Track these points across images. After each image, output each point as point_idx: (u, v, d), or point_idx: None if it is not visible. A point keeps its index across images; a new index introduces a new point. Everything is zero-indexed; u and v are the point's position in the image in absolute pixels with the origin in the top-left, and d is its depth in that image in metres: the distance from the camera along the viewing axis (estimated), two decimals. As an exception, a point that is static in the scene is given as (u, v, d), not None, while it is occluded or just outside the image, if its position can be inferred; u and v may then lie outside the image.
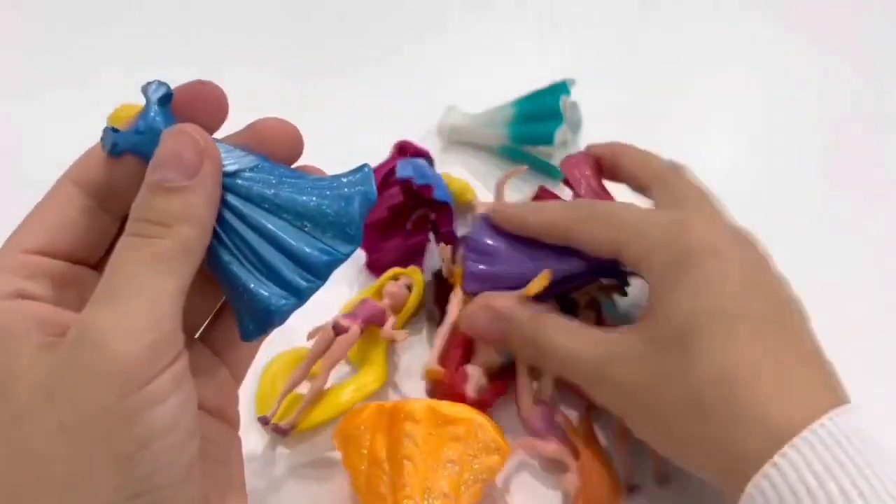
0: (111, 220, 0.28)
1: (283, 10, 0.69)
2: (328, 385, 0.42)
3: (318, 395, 0.42)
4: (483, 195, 0.53)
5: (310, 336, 0.43)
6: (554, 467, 0.41)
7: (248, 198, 0.27)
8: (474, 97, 0.58)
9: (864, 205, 0.56)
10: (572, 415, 0.42)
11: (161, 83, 0.27)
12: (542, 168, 0.55)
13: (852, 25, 0.69)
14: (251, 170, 0.27)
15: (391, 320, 0.44)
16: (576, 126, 0.57)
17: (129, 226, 0.25)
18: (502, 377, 0.43)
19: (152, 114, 0.26)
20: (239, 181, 0.27)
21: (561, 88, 0.56)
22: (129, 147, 0.26)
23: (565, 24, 0.69)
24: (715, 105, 0.64)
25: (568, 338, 0.37)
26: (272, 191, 0.27)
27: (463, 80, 0.63)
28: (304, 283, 0.26)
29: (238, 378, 0.32)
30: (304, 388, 0.42)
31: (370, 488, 0.38)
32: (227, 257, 0.26)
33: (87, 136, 0.43)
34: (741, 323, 0.33)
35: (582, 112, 0.57)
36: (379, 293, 0.46)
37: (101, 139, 0.27)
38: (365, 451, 0.38)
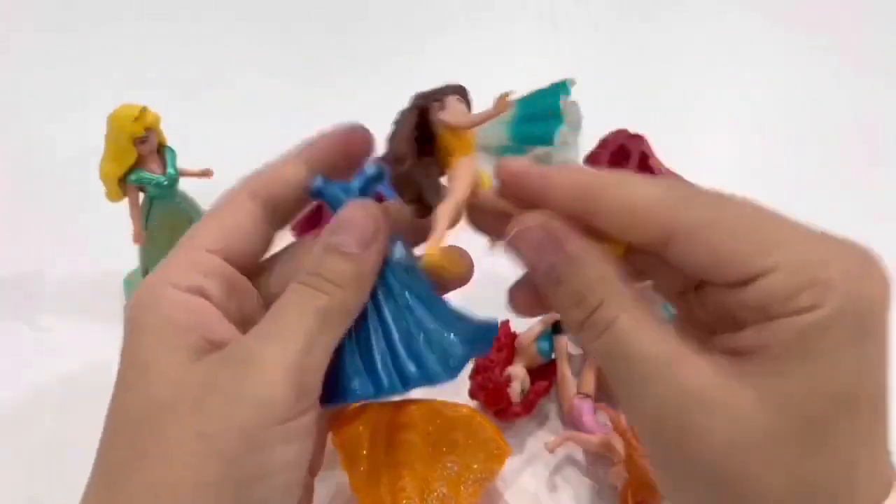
0: (272, 234, 0.30)
1: (283, 10, 0.69)
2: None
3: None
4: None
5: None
6: (599, 461, 0.41)
7: (389, 287, 0.28)
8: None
9: (865, 204, 0.56)
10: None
11: (379, 166, 0.29)
12: (543, 168, 0.55)
13: (852, 26, 0.69)
14: (407, 270, 0.28)
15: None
16: (576, 126, 0.57)
17: (301, 275, 0.27)
18: (545, 377, 0.44)
19: (361, 185, 0.29)
20: (392, 270, 0.28)
21: (561, 88, 0.56)
22: (327, 198, 0.29)
23: (565, 24, 0.69)
24: (715, 104, 0.64)
25: (652, 343, 0.24)
26: (411, 292, 0.28)
27: (463, 80, 0.63)
28: (386, 384, 0.27)
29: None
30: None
31: (369, 489, 0.38)
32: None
33: (87, 135, 0.44)
34: (876, 414, 0.24)
35: (582, 112, 0.57)
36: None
37: (309, 181, 0.29)
38: (364, 453, 0.38)
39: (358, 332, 0.28)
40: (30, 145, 0.58)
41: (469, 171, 0.30)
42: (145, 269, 0.46)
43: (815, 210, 0.57)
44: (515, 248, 0.26)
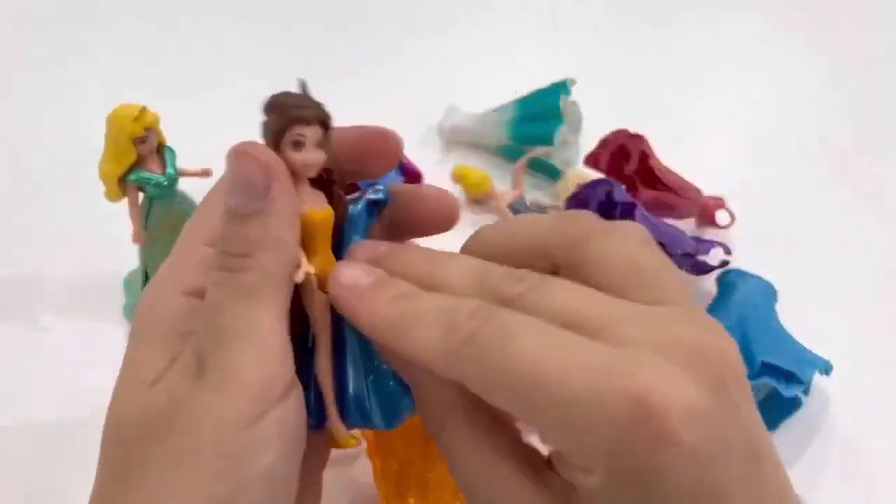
0: None
1: (283, 10, 0.69)
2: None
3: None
4: (483, 195, 0.53)
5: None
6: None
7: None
8: (474, 97, 0.58)
9: (865, 203, 0.56)
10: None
11: (385, 190, 0.28)
12: (543, 168, 0.55)
13: (852, 26, 0.69)
14: None
15: None
16: (576, 126, 0.57)
17: (216, 258, 0.24)
18: None
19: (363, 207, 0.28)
20: None
21: (561, 88, 0.56)
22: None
23: (565, 24, 0.69)
24: (715, 103, 0.64)
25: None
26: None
27: (463, 80, 0.63)
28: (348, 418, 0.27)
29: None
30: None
31: (398, 482, 0.38)
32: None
33: (86, 135, 0.44)
34: None
35: (582, 112, 0.57)
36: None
37: None
38: (397, 446, 0.38)
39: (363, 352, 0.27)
40: (29, 145, 0.58)
41: (325, 308, 0.26)
42: (145, 269, 0.46)
43: (815, 210, 0.58)
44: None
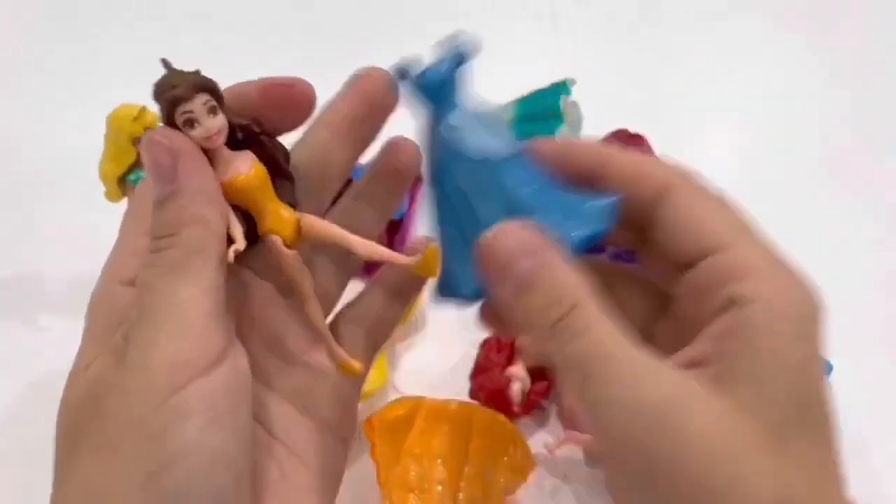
0: None
1: (283, 9, 0.69)
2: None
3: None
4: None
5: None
6: (599, 461, 0.41)
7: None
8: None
9: (865, 203, 0.56)
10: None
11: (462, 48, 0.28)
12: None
13: (853, 26, 0.69)
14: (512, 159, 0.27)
15: None
16: (576, 126, 0.57)
17: (149, 245, 0.25)
18: (545, 377, 0.44)
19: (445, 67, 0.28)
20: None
21: (561, 88, 0.56)
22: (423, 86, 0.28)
23: (566, 24, 0.69)
24: (716, 104, 0.64)
25: (627, 349, 0.23)
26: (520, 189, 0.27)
27: (463, 79, 0.63)
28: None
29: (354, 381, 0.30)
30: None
31: (400, 480, 0.38)
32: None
33: (86, 134, 0.44)
34: (829, 421, 0.24)
35: (582, 112, 0.57)
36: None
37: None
38: (399, 444, 0.39)
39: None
40: (28, 145, 0.58)
41: (298, 261, 0.27)
42: (145, 269, 0.46)
43: (816, 210, 0.58)
44: (488, 254, 0.25)
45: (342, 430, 0.29)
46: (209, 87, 0.25)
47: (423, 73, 0.27)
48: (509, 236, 0.25)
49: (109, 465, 0.22)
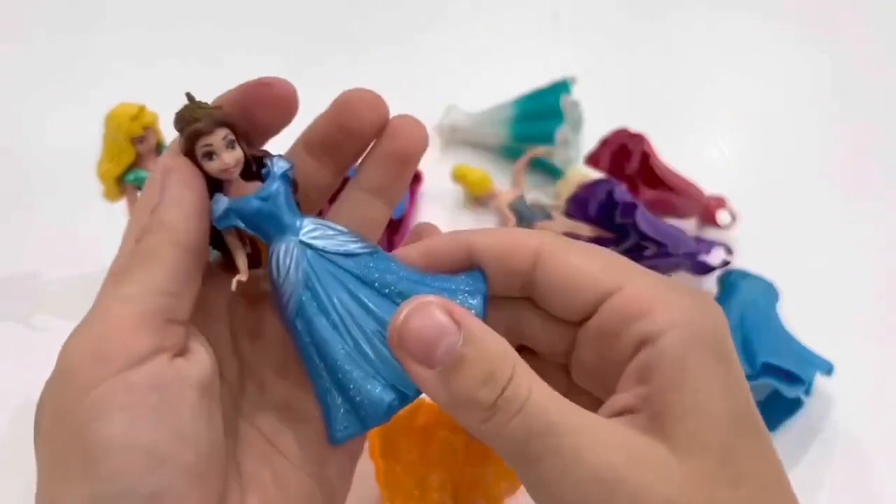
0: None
1: (283, 7, 0.69)
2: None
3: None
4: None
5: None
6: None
7: (359, 278, 0.26)
8: (474, 97, 0.58)
9: (866, 203, 0.56)
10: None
11: (286, 160, 0.27)
12: (543, 167, 0.55)
13: (853, 26, 0.69)
14: (370, 254, 0.26)
15: None
16: (577, 125, 0.57)
17: None
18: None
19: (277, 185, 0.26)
20: (349, 261, 0.26)
21: (561, 87, 0.56)
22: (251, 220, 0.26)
23: (566, 24, 0.69)
24: (716, 103, 0.64)
25: (570, 413, 0.23)
26: (385, 276, 0.26)
27: (463, 79, 0.63)
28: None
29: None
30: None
31: (400, 481, 0.38)
32: (336, 346, 0.26)
33: (85, 134, 0.44)
34: (765, 433, 0.25)
35: (582, 111, 0.57)
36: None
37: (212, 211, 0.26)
38: (398, 445, 0.39)
39: (353, 341, 0.26)
40: (28, 145, 0.58)
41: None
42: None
43: (817, 209, 0.58)
44: (404, 339, 0.23)
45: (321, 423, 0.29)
46: (229, 123, 0.26)
47: (249, 206, 0.26)
48: (422, 314, 0.23)
49: (50, 455, 0.23)
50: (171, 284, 0.24)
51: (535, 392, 0.22)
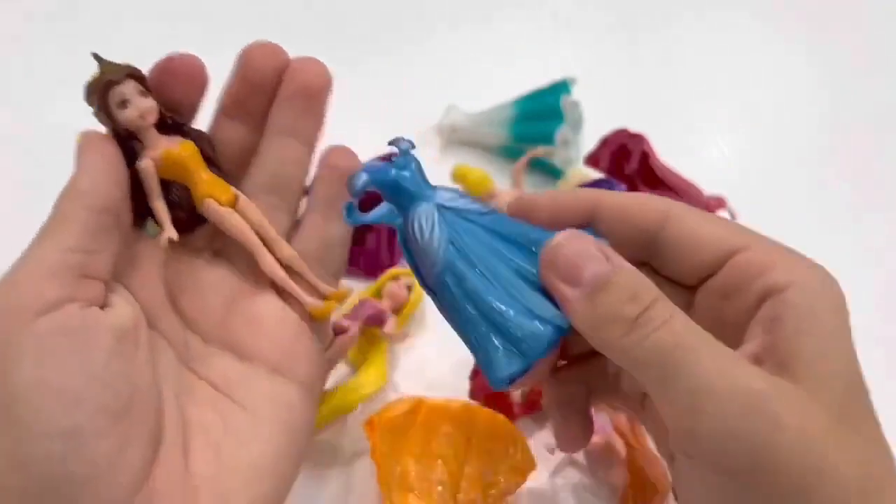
0: None
1: (282, 9, 0.69)
2: (327, 386, 0.42)
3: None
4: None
5: (309, 336, 0.43)
6: (599, 461, 0.41)
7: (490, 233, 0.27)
8: (474, 97, 0.58)
9: (866, 203, 0.56)
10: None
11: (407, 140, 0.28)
12: (543, 168, 0.55)
13: (853, 25, 0.69)
14: (494, 213, 0.28)
15: (391, 321, 0.44)
16: (577, 125, 0.57)
17: None
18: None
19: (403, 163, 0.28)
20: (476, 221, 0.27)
21: (562, 87, 0.56)
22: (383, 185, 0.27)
23: (566, 24, 0.69)
24: (715, 103, 0.64)
25: (711, 340, 0.24)
26: (515, 228, 0.27)
27: (463, 79, 0.63)
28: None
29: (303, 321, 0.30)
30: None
31: (400, 481, 0.38)
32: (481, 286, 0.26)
33: (82, 120, 0.43)
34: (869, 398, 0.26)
35: (582, 111, 0.57)
36: (378, 293, 0.46)
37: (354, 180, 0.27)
38: (399, 444, 0.39)
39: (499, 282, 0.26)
40: (28, 145, 0.58)
41: (237, 219, 0.29)
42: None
43: (816, 209, 0.58)
44: (554, 261, 0.25)
45: (297, 375, 0.29)
46: (138, 75, 0.28)
47: (391, 172, 0.27)
48: (574, 240, 0.25)
49: None
50: (84, 242, 0.26)
51: (678, 315, 0.24)
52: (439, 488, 0.38)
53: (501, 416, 0.40)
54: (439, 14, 0.69)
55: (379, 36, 0.67)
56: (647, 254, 0.28)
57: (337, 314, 0.45)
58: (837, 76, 0.65)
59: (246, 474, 0.27)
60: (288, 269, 0.30)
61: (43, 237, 0.26)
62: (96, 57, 0.28)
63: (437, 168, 0.54)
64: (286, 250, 0.30)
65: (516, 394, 0.42)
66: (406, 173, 0.27)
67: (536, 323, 0.25)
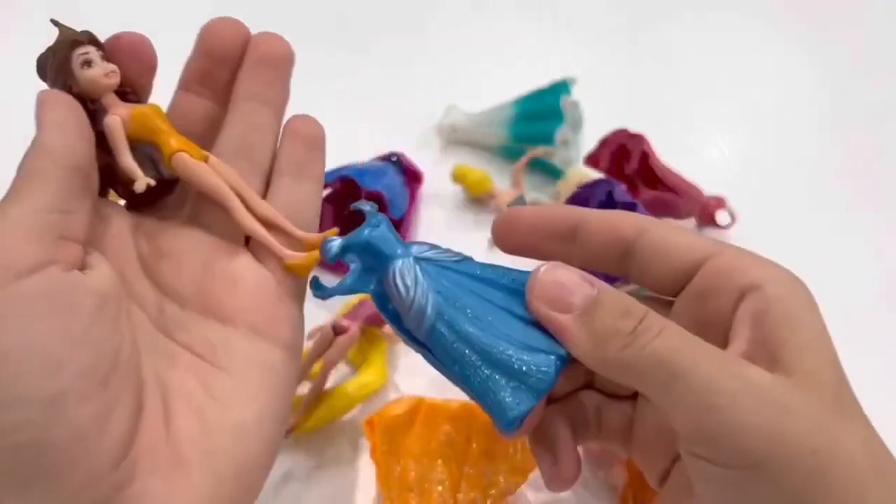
0: None
1: (281, 8, 0.69)
2: (327, 386, 0.42)
3: (318, 397, 0.41)
4: (483, 195, 0.53)
5: (309, 336, 0.43)
6: (599, 461, 0.41)
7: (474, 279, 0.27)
8: (474, 97, 0.58)
9: (866, 202, 0.56)
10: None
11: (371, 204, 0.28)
12: (543, 168, 0.55)
13: (852, 25, 0.69)
14: (469, 259, 0.28)
15: None
16: (577, 125, 0.57)
17: None
18: None
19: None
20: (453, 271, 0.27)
21: (561, 88, 0.56)
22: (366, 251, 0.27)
23: (566, 24, 0.69)
24: (715, 104, 0.64)
25: (704, 343, 0.25)
26: (492, 271, 0.28)
27: (463, 79, 0.63)
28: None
29: (280, 281, 0.30)
30: (303, 390, 0.42)
31: (400, 480, 0.38)
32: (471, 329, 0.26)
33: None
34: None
35: (582, 111, 0.57)
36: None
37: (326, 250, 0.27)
38: (399, 444, 0.39)
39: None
40: (27, 144, 0.58)
41: (211, 174, 0.28)
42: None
43: (816, 209, 0.58)
44: (545, 287, 0.26)
45: (279, 336, 0.29)
46: (99, 42, 0.28)
47: (360, 237, 0.27)
48: (558, 268, 0.26)
49: None
50: (61, 202, 0.25)
51: (670, 324, 0.25)
52: (439, 488, 0.38)
53: None
54: (439, 14, 0.69)
55: (379, 36, 0.67)
56: (626, 265, 0.28)
57: (337, 314, 0.45)
58: (837, 76, 0.65)
59: (231, 435, 0.26)
60: (264, 224, 0.29)
61: (16, 197, 0.25)
62: (55, 22, 0.28)
63: (437, 168, 0.54)
64: (262, 205, 0.29)
65: None
66: (377, 233, 0.27)
67: (540, 355, 0.26)
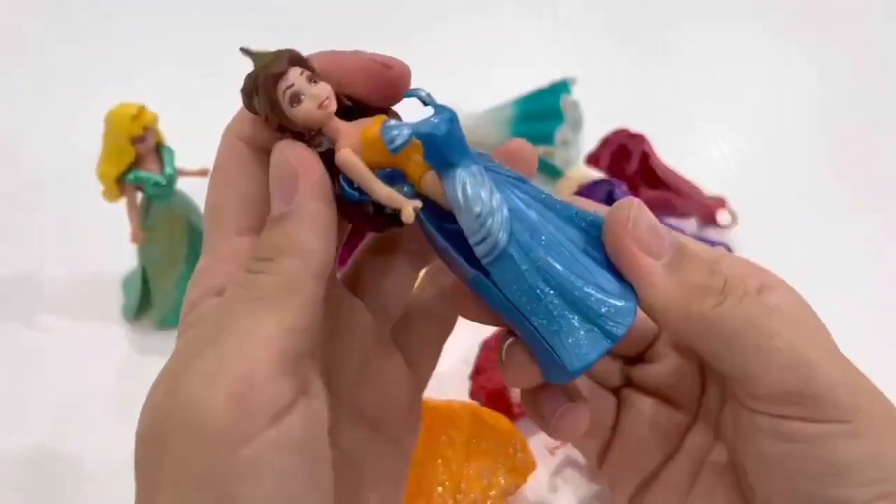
0: None
1: (282, 8, 0.69)
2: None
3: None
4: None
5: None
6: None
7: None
8: (474, 97, 0.58)
9: (866, 202, 0.56)
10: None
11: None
12: (543, 168, 0.55)
13: (850, 25, 0.69)
14: (529, 181, 0.25)
15: None
16: (577, 125, 0.57)
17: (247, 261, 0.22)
18: None
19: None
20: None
21: (562, 87, 0.56)
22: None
23: (566, 24, 0.69)
24: (716, 103, 0.64)
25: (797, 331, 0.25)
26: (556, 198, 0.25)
27: (463, 79, 0.63)
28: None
29: (421, 386, 0.28)
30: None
31: None
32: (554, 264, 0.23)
33: (85, 134, 0.43)
34: None
35: (583, 111, 0.57)
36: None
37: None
38: None
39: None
40: (28, 144, 0.58)
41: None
42: (143, 269, 0.46)
43: (817, 209, 0.58)
44: (639, 227, 0.23)
45: (397, 431, 0.27)
46: (300, 60, 0.22)
47: (439, 129, 0.23)
48: (647, 212, 0.24)
49: None
50: (307, 321, 0.21)
51: (749, 287, 0.25)
52: (439, 489, 0.38)
53: (501, 417, 0.40)
54: (439, 14, 0.69)
55: (378, 36, 0.67)
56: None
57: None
58: (837, 77, 0.65)
59: None
60: None
61: (267, 309, 0.21)
62: (246, 51, 0.23)
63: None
64: None
65: (516, 394, 0.42)
66: (454, 128, 0.22)
67: (618, 301, 0.23)
